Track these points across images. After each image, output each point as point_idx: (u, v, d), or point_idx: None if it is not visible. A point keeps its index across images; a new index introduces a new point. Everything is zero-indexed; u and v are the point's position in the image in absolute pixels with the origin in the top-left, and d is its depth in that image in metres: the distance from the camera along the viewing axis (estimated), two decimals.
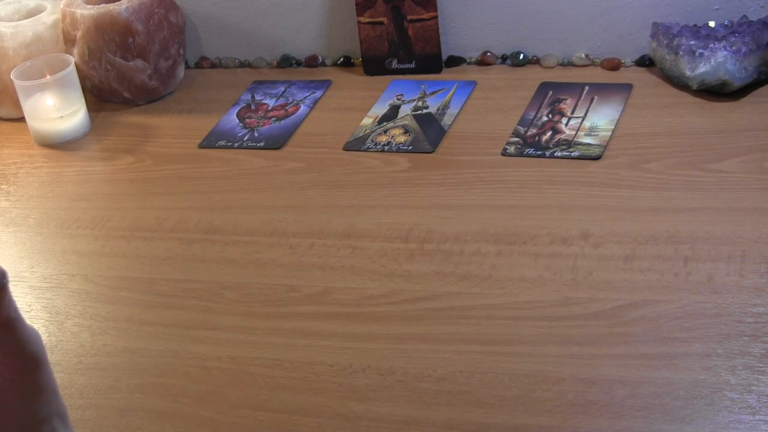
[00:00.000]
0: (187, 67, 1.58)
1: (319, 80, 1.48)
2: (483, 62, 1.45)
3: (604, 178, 1.16)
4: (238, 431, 0.89)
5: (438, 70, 1.45)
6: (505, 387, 0.89)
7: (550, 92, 1.35)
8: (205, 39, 1.56)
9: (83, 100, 1.43)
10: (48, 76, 1.40)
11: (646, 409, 0.85)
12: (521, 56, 1.43)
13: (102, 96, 1.49)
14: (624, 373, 0.89)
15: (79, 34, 1.44)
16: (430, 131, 1.31)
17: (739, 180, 1.12)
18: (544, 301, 0.99)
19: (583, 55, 1.41)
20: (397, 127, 1.33)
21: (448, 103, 1.36)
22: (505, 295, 1.00)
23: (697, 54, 1.26)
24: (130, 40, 1.43)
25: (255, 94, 1.47)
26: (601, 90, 1.34)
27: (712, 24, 1.32)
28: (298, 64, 1.54)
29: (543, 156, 1.22)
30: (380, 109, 1.38)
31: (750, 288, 0.96)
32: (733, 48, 1.25)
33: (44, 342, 1.03)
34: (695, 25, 1.32)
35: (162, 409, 0.93)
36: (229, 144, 1.35)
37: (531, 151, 1.23)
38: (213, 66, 1.58)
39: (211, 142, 1.37)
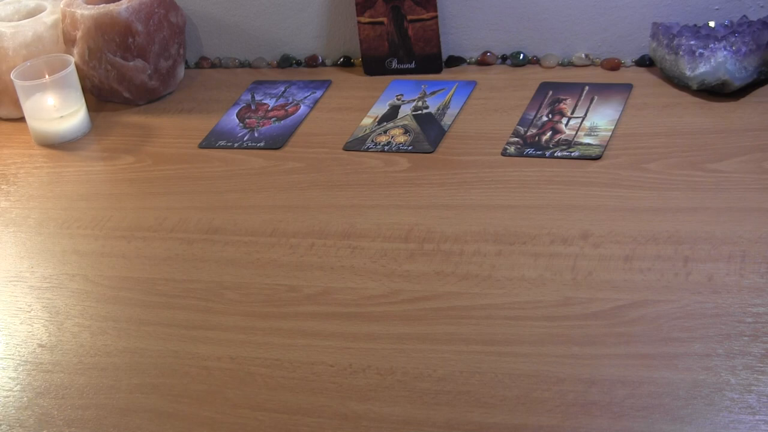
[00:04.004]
0: (187, 67, 1.58)
1: (319, 80, 1.48)
2: (483, 62, 1.45)
3: (604, 178, 1.16)
4: (238, 431, 0.89)
5: (438, 70, 1.45)
6: (505, 387, 0.89)
7: (550, 92, 1.35)
8: (205, 39, 1.56)
9: (83, 100, 1.43)
10: (48, 76, 1.40)
11: (646, 409, 0.85)
12: (521, 56, 1.43)
13: (102, 96, 1.49)
14: (624, 373, 0.89)
15: (79, 34, 1.44)
16: (430, 131, 1.31)
17: (739, 180, 1.12)
18: (544, 301, 0.99)
19: (583, 55, 1.41)
20: (397, 127, 1.33)
21: (448, 103, 1.36)
22: (505, 295, 1.00)
23: (697, 54, 1.26)
24: (130, 40, 1.43)
25: (255, 94, 1.47)
26: (601, 90, 1.34)
27: (712, 24, 1.32)
28: (298, 64, 1.54)
29: (543, 156, 1.22)
30: (380, 109, 1.38)
31: (750, 288, 0.96)
32: (733, 48, 1.25)
33: (45, 342, 1.04)
34: (695, 25, 1.32)
35: (162, 409, 0.93)
36: (229, 144, 1.35)
37: (531, 151, 1.23)
38: (213, 66, 1.58)
39: (211, 142, 1.37)
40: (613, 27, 1.39)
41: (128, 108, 1.49)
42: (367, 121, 1.36)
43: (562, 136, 1.25)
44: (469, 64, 1.46)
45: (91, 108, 1.46)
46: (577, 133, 1.25)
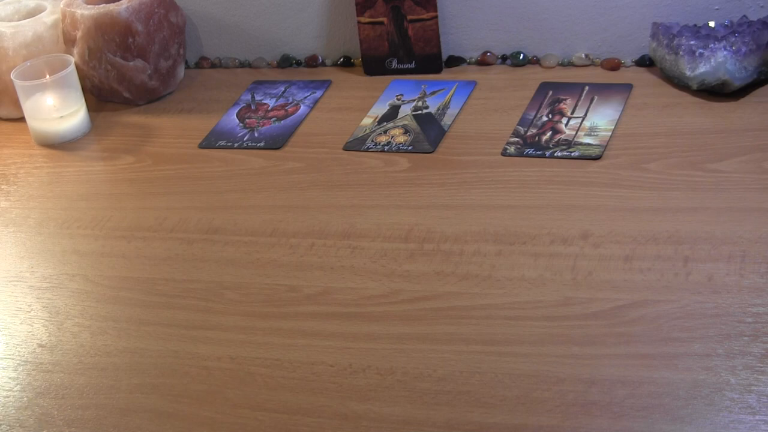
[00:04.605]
0: (187, 67, 1.58)
1: (319, 80, 1.48)
2: (483, 62, 1.45)
3: (604, 178, 1.16)
4: (238, 431, 0.89)
5: (438, 70, 1.45)
6: (505, 387, 0.89)
7: (550, 92, 1.35)
8: (205, 39, 1.56)
9: (83, 100, 1.43)
10: (48, 76, 1.40)
11: (646, 409, 0.85)
12: (521, 56, 1.43)
13: (102, 96, 1.49)
14: (624, 373, 0.89)
15: (79, 34, 1.44)
16: (430, 131, 1.31)
17: (739, 180, 1.12)
18: (544, 301, 0.99)
19: (583, 55, 1.41)
20: (397, 127, 1.33)
21: (448, 103, 1.36)
22: (505, 295, 1.00)
23: (697, 54, 1.26)
24: (130, 40, 1.43)
25: (255, 94, 1.47)
26: (601, 90, 1.34)
27: (712, 24, 1.32)
28: (298, 64, 1.54)
29: (543, 156, 1.22)
30: (380, 109, 1.38)
31: (750, 288, 0.96)
32: (733, 48, 1.25)
33: (45, 342, 1.04)
34: (695, 25, 1.32)
35: (162, 409, 0.93)
36: (229, 144, 1.35)
37: (531, 151, 1.23)
38: (213, 66, 1.58)
39: (211, 142, 1.37)
40: (613, 27, 1.39)
41: (128, 108, 1.49)
42: (367, 121, 1.36)
43: (562, 136, 1.25)
44: (469, 64, 1.46)
45: (91, 108, 1.46)
46: (577, 133, 1.25)
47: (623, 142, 1.22)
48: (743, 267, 0.99)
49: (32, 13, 1.51)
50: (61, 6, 1.47)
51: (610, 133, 1.24)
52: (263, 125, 1.38)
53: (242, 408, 0.92)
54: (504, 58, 1.45)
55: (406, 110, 1.36)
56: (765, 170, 1.13)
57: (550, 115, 1.30)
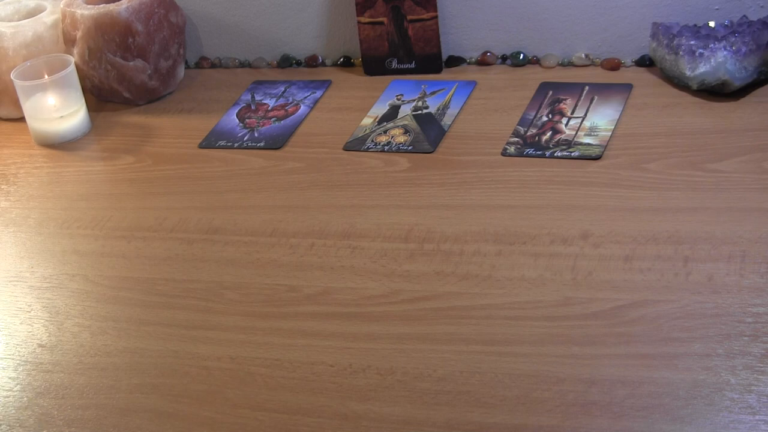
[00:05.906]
0: (187, 67, 1.58)
1: (319, 80, 1.48)
2: (483, 62, 1.45)
3: (604, 178, 1.16)
4: (238, 431, 0.89)
5: (438, 70, 1.45)
6: (505, 387, 0.89)
7: (550, 92, 1.35)
8: (205, 39, 1.56)
9: (83, 100, 1.43)
10: (48, 76, 1.40)
11: (646, 409, 0.85)
12: (521, 56, 1.43)
13: (102, 96, 1.49)
14: (624, 373, 0.89)
15: (79, 34, 1.44)
16: (430, 131, 1.31)
17: (739, 180, 1.12)
18: (544, 301, 0.99)
19: (583, 55, 1.41)
20: (397, 127, 1.33)
21: (448, 103, 1.36)
22: (505, 295, 1.00)
23: (697, 54, 1.26)
24: (130, 40, 1.43)
25: (255, 94, 1.47)
26: (601, 90, 1.34)
27: (712, 24, 1.32)
28: (298, 64, 1.54)
29: (543, 156, 1.22)
30: (380, 109, 1.38)
31: (750, 288, 0.96)
32: (733, 48, 1.25)
33: (45, 342, 1.04)
34: (695, 25, 1.32)
35: (162, 409, 0.93)
36: (229, 144, 1.35)
37: (531, 151, 1.23)
38: (213, 66, 1.58)
39: (211, 142, 1.37)
40: (613, 27, 1.39)
41: (128, 108, 1.49)
42: (367, 121, 1.36)
43: (562, 136, 1.25)
44: (469, 64, 1.46)
45: (91, 108, 1.46)
46: (577, 133, 1.25)
47: (623, 142, 1.22)
48: (743, 267, 0.99)
49: (32, 13, 1.51)
50: (61, 6, 1.47)
51: (610, 133, 1.24)
52: (263, 125, 1.38)
53: (242, 408, 0.92)
54: (504, 58, 1.45)
55: (406, 110, 1.36)
56: (765, 170, 1.13)
57: (550, 115, 1.30)
